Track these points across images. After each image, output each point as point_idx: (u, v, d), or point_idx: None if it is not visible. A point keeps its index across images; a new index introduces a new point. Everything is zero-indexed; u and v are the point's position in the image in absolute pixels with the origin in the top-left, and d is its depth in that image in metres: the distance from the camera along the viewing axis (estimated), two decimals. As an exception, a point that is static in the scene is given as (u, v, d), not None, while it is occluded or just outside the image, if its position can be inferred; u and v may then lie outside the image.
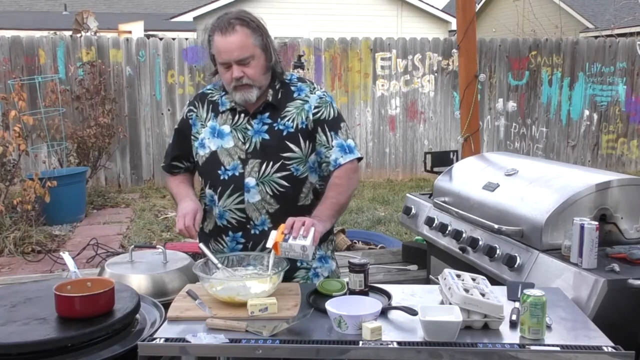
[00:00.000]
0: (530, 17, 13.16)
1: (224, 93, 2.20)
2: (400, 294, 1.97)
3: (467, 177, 3.15)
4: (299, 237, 1.87)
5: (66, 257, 2.37)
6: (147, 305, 2.04)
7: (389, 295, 1.92)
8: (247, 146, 2.13)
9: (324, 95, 2.20)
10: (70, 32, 9.09)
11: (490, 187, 2.83)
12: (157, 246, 2.75)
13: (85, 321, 1.76)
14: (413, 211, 3.46)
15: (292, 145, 2.12)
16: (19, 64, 7.84)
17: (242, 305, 1.81)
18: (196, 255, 2.74)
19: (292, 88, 2.19)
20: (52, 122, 7.11)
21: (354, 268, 1.92)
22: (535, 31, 12.77)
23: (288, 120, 2.14)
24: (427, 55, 9.02)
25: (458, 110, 6.99)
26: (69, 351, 1.70)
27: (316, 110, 2.15)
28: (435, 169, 3.89)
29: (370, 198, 7.64)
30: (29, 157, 6.99)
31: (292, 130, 2.13)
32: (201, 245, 2.07)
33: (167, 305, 1.91)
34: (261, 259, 2.04)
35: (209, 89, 2.28)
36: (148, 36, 9.35)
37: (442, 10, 15.71)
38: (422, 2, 15.18)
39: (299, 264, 2.17)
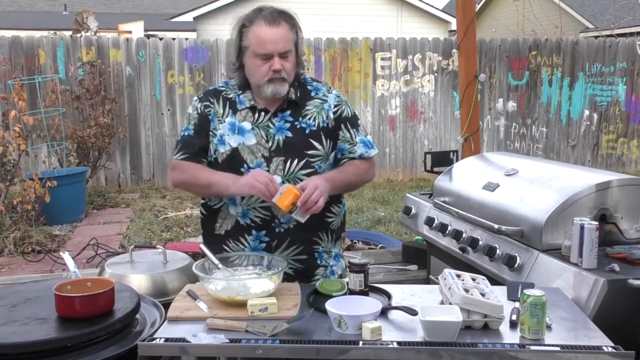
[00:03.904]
0: (530, 17, 13.16)
1: (241, 92, 2.17)
2: (400, 294, 1.97)
3: (467, 177, 3.15)
4: (299, 213, 1.96)
5: (66, 257, 2.37)
6: (147, 305, 2.04)
7: (389, 295, 1.92)
8: (270, 144, 2.12)
9: (339, 94, 2.27)
10: (70, 32, 9.09)
11: (490, 187, 2.83)
12: (157, 246, 2.75)
13: (85, 321, 1.76)
14: (413, 211, 3.46)
15: (315, 143, 2.14)
16: (19, 64, 7.84)
17: (242, 305, 1.81)
18: (196, 255, 2.75)
19: (309, 87, 2.22)
20: (52, 122, 7.11)
21: (354, 268, 1.92)
22: (535, 31, 12.77)
23: (309, 119, 2.16)
24: (427, 55, 9.02)
25: (458, 110, 6.99)
26: (69, 351, 1.70)
27: (336, 108, 2.20)
28: (435, 169, 3.89)
29: (370, 198, 7.64)
30: (29, 157, 7.00)
31: (314, 128, 2.15)
32: (202, 246, 2.06)
33: (167, 305, 1.91)
34: (261, 259, 2.04)
35: (221, 87, 2.24)
36: (148, 36, 9.35)
37: (442, 10, 15.70)
38: (422, 2, 15.18)
39: (318, 262, 2.20)
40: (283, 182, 2.08)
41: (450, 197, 3.12)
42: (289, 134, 2.13)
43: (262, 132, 2.13)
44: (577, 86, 9.44)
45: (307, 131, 2.14)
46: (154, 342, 1.66)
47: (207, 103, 2.19)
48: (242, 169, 2.10)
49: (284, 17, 2.07)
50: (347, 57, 8.79)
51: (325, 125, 2.17)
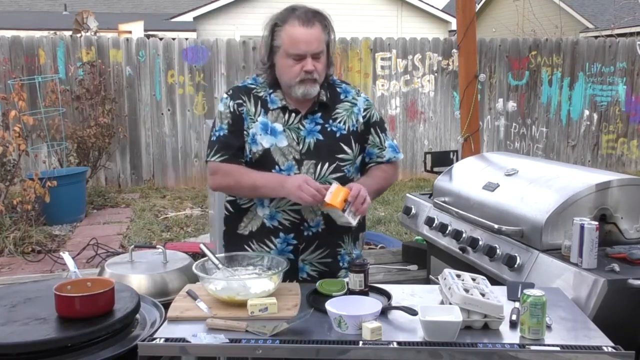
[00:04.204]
0: (530, 17, 13.16)
1: (271, 91, 2.14)
2: (400, 294, 1.97)
3: (467, 177, 3.15)
4: (351, 212, 1.96)
5: (66, 257, 2.38)
6: (147, 305, 2.04)
7: (389, 295, 1.92)
8: (301, 147, 2.09)
9: (367, 98, 2.27)
10: (70, 32, 9.09)
11: (490, 187, 2.83)
12: (157, 246, 2.75)
13: (85, 321, 1.76)
14: (413, 211, 3.46)
15: (345, 147, 2.13)
16: (19, 64, 7.84)
17: (242, 305, 1.81)
18: (196, 255, 2.75)
19: (338, 90, 2.21)
20: (52, 122, 7.11)
21: (354, 268, 1.92)
22: (535, 31, 12.77)
23: (340, 122, 2.15)
24: (427, 55, 9.02)
25: (458, 110, 6.99)
26: (69, 351, 1.71)
27: (365, 112, 2.21)
28: (435, 169, 3.89)
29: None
30: (29, 157, 7.00)
31: (345, 132, 2.14)
32: (202, 245, 2.06)
33: (167, 305, 1.91)
34: (261, 259, 2.04)
35: (251, 84, 2.18)
36: (148, 36, 9.35)
37: (442, 10, 15.70)
38: (422, 2, 15.17)
39: (340, 264, 2.19)
40: None
41: (450, 197, 3.12)
42: (320, 137, 2.11)
43: (293, 134, 2.10)
44: (577, 86, 9.44)
45: (338, 135, 2.13)
46: (154, 342, 1.66)
47: (240, 101, 2.13)
48: (273, 170, 2.08)
49: (318, 18, 2.06)
50: (347, 57, 8.79)
51: (355, 129, 2.17)
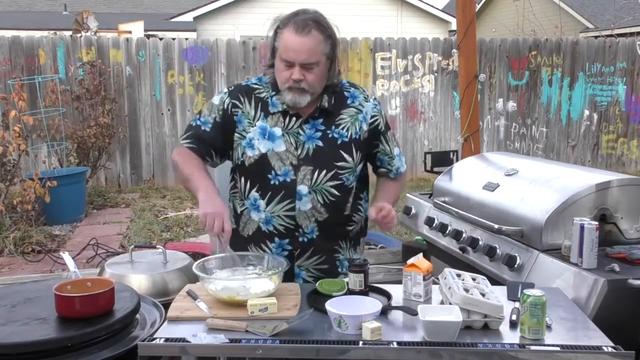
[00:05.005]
0: (530, 17, 13.16)
1: (274, 93, 2.10)
2: (400, 294, 1.97)
3: (467, 177, 3.15)
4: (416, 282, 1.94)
5: (66, 257, 2.38)
6: (147, 305, 2.04)
7: (389, 296, 1.92)
8: (299, 152, 2.06)
9: (377, 103, 2.21)
10: (70, 32, 9.09)
11: (490, 187, 2.83)
12: (157, 246, 2.75)
13: (85, 321, 1.76)
14: (413, 211, 3.46)
15: (345, 155, 2.09)
16: (19, 64, 7.85)
17: (242, 305, 1.81)
18: (196, 255, 2.75)
19: (346, 94, 2.15)
20: (52, 122, 7.11)
21: (354, 268, 1.92)
22: (535, 31, 12.77)
23: (342, 129, 2.10)
24: (427, 55, 9.02)
25: (458, 110, 6.99)
26: (69, 351, 1.70)
27: (373, 119, 2.16)
28: (435, 169, 3.89)
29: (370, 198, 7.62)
30: (29, 157, 7.01)
31: (347, 139, 2.10)
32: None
33: (167, 305, 1.91)
34: (261, 259, 2.04)
35: (254, 83, 2.15)
36: (148, 36, 9.35)
37: (442, 10, 15.71)
38: (422, 2, 15.18)
39: (339, 270, 2.17)
40: (310, 192, 2.05)
41: (450, 197, 3.12)
42: (320, 143, 2.07)
43: (291, 138, 2.07)
44: (577, 86, 9.44)
45: (339, 142, 2.09)
46: (154, 342, 1.66)
47: (237, 102, 2.11)
48: (269, 175, 2.06)
49: (316, 27, 1.98)
50: (347, 57, 8.78)
51: (357, 137, 2.12)
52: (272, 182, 2.06)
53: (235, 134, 2.10)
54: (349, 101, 2.14)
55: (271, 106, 2.10)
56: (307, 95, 2.02)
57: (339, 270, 2.18)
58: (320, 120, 2.10)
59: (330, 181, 2.07)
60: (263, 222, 2.10)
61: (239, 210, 2.16)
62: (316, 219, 2.08)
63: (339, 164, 2.08)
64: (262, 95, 2.12)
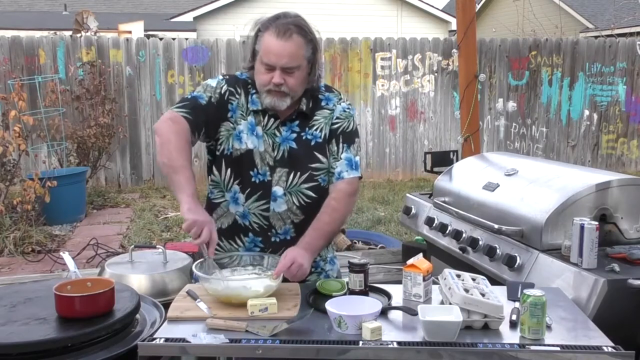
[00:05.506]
0: (530, 17, 13.16)
1: (254, 91, 2.09)
2: (400, 294, 1.97)
3: (467, 177, 3.15)
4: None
5: (66, 257, 2.37)
6: (147, 305, 2.04)
7: (389, 295, 1.92)
8: (275, 153, 2.07)
9: (348, 108, 2.18)
10: (70, 32, 9.08)
11: (490, 187, 2.83)
12: (157, 246, 2.75)
13: (85, 321, 1.76)
14: (413, 211, 3.46)
15: (319, 156, 2.09)
16: (19, 64, 7.85)
17: (242, 305, 1.81)
18: (196, 255, 2.74)
19: (320, 97, 2.15)
20: (52, 122, 7.11)
21: (354, 268, 1.92)
22: (535, 31, 12.77)
23: (316, 130, 2.11)
24: (427, 55, 9.02)
25: (458, 110, 7.00)
26: (69, 351, 1.70)
27: (336, 120, 2.13)
28: (435, 169, 3.89)
29: (370, 198, 7.63)
30: (29, 157, 7.00)
31: (320, 140, 2.10)
32: (203, 246, 2.00)
33: (167, 305, 1.91)
34: (261, 259, 2.04)
35: (248, 79, 2.12)
36: (148, 36, 9.35)
37: (442, 10, 15.70)
38: (422, 2, 15.18)
39: (312, 269, 2.14)
40: (285, 194, 2.06)
41: (450, 197, 3.12)
42: (294, 145, 2.08)
43: (269, 139, 2.08)
44: (577, 86, 9.44)
45: (313, 143, 2.09)
46: (154, 342, 1.66)
47: (234, 91, 2.09)
48: (251, 172, 2.06)
49: (298, 31, 1.98)
50: (347, 57, 8.78)
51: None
52: (252, 180, 2.07)
53: (228, 122, 2.08)
54: (323, 103, 2.14)
55: (251, 104, 2.09)
56: (286, 99, 2.02)
57: (313, 269, 2.14)
58: (297, 123, 2.10)
59: (306, 183, 2.08)
60: (240, 216, 2.11)
61: (216, 202, 2.14)
62: (292, 221, 2.09)
63: (314, 165, 2.08)
64: (251, 91, 2.11)
